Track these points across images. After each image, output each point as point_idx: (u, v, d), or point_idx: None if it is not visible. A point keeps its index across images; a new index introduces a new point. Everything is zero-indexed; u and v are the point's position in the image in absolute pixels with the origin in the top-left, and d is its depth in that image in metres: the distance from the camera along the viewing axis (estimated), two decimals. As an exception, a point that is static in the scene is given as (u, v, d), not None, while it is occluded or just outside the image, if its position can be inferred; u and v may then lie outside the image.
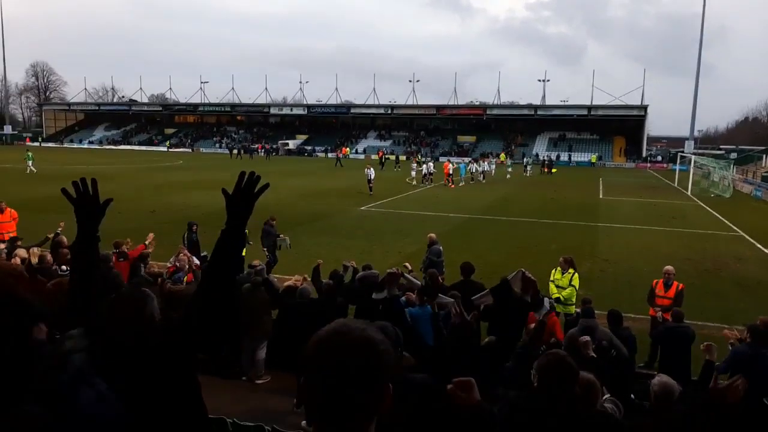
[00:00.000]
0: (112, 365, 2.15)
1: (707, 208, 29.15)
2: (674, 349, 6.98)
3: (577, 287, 9.77)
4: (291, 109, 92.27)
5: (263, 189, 2.35)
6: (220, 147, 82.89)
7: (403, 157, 64.40)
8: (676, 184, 42.18)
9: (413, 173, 40.27)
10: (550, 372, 3.04)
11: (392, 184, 36.30)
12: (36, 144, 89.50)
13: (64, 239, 10.27)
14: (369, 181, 31.57)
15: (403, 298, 6.89)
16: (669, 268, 9.70)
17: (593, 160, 69.36)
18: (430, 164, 41.15)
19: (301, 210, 24.59)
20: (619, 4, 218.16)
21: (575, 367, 3.16)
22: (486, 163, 46.86)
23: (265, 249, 13.59)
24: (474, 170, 42.79)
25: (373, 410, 1.31)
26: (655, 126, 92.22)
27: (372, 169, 32.56)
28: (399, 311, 5.97)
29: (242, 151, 70.65)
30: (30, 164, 39.87)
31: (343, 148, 77.25)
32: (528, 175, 49.46)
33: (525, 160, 57.05)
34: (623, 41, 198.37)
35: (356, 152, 78.35)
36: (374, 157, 64.61)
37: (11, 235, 13.77)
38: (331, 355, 1.27)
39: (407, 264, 10.06)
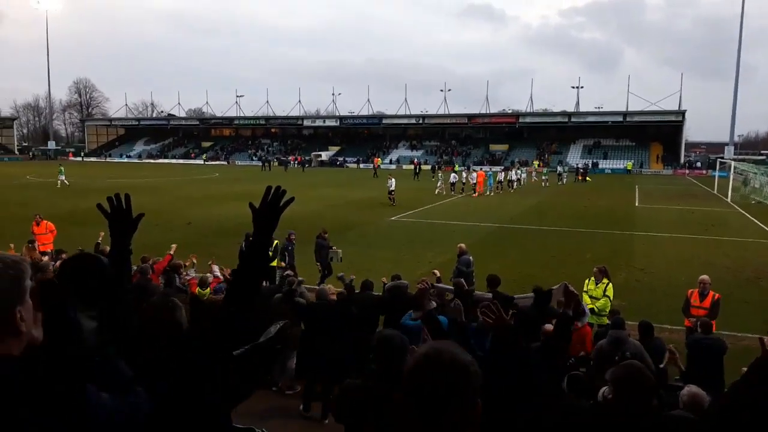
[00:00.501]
0: (140, 370, 2.25)
1: (748, 215, 28.28)
2: (704, 361, 6.82)
3: (611, 298, 9.64)
4: (324, 121, 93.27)
5: (288, 203, 2.41)
6: (255, 159, 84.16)
7: (426, 167, 64.30)
8: (715, 191, 41.05)
9: (440, 183, 39.42)
10: (629, 384, 2.93)
11: (423, 194, 36.27)
12: (78, 159, 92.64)
13: (106, 249, 10.57)
14: (390, 192, 31.45)
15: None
16: (704, 277, 9.47)
17: (629, 167, 67.91)
18: (463, 173, 40.85)
19: (332, 220, 24.77)
20: (655, 7, 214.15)
21: (653, 379, 3.07)
22: (513, 171, 45.43)
23: (318, 263, 13.51)
24: (503, 178, 42.21)
25: (464, 427, 1.42)
26: (693, 131, 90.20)
27: (393, 179, 32.37)
28: (438, 326, 6.03)
29: (277, 163, 71.70)
30: (62, 178, 40.76)
31: (375, 159, 77.74)
32: (563, 183, 48.73)
33: (559, 168, 55.85)
34: (659, 45, 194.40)
35: (389, 162, 78.51)
36: (405, 167, 64.82)
37: (48, 247, 14.32)
38: (425, 377, 1.40)
39: (435, 271, 10.08)
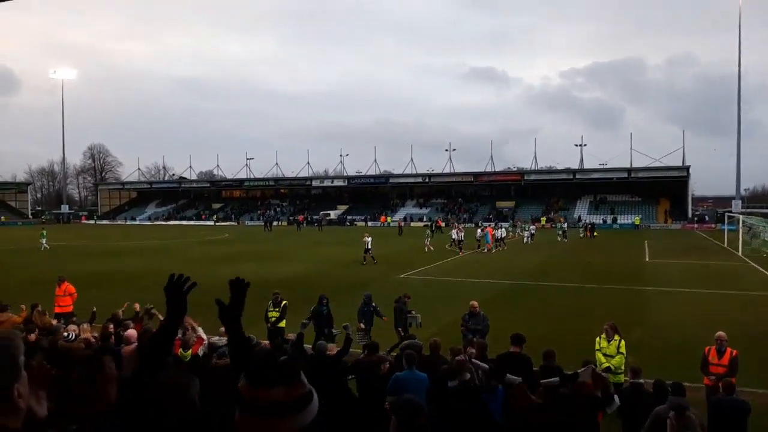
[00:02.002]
0: None
1: (760, 268, 28.02)
2: (727, 423, 6.67)
3: (625, 354, 9.52)
4: (332, 181, 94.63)
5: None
6: (261, 219, 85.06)
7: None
8: (725, 245, 40.83)
9: (427, 241, 38.85)
10: None
11: (435, 251, 36.27)
12: (91, 222, 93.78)
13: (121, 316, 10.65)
14: (366, 250, 31.12)
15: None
16: (721, 334, 9.35)
17: (637, 222, 68.04)
18: (461, 232, 39.38)
19: (342, 278, 24.82)
20: (655, 68, 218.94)
21: None
22: (500, 230, 43.93)
23: (399, 329, 12.97)
24: (499, 235, 41.17)
25: None
26: (699, 186, 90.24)
27: (370, 237, 31.97)
28: (474, 396, 6.07)
29: (287, 224, 72.41)
30: (43, 242, 40.78)
31: (382, 217, 78.70)
32: (562, 241, 47.22)
33: (558, 225, 55.07)
34: (661, 103, 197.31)
35: (394, 220, 79.08)
36: (421, 224, 65.25)
37: (66, 309, 14.44)
38: None
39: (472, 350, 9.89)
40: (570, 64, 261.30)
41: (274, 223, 76.15)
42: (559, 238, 47.35)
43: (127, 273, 27.24)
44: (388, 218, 79.53)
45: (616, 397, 7.38)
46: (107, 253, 38.84)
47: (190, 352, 8.62)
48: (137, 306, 11.85)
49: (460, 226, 43.08)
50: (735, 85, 67.39)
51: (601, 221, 69.61)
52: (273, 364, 1.53)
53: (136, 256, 36.65)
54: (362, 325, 12.85)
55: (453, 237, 39.68)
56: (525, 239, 46.34)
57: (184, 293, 2.61)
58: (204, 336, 9.19)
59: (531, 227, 50.91)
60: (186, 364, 8.25)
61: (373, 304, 13.50)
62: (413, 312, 13.55)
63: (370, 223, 76.88)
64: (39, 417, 1.79)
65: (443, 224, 62.91)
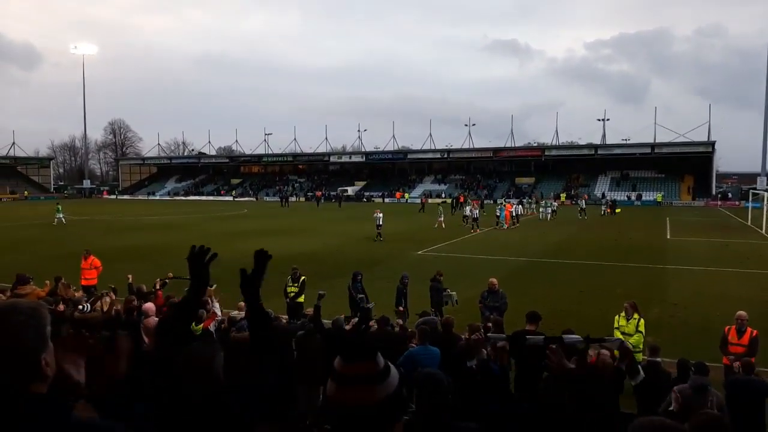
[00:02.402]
0: (178, 418, 2.31)
1: (785, 247, 27.53)
2: (745, 403, 6.60)
3: (644, 333, 9.46)
4: (350, 157, 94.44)
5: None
6: (278, 195, 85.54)
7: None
8: (749, 223, 40.09)
9: (441, 218, 38.19)
10: None
11: (451, 228, 36.19)
12: (112, 197, 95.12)
13: (142, 287, 10.80)
14: (378, 226, 31.17)
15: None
16: (742, 313, 9.23)
17: (659, 199, 67.05)
18: (475, 209, 38.25)
19: (360, 254, 24.92)
20: (684, 39, 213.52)
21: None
22: (519, 206, 44.96)
23: (433, 308, 12.58)
24: (515, 213, 41.02)
25: None
26: (724, 162, 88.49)
27: (381, 214, 32.03)
28: (493, 376, 6.09)
29: (305, 200, 72.87)
30: (60, 216, 41.46)
31: (398, 193, 78.73)
32: (582, 218, 46.57)
33: (580, 201, 53.87)
34: (688, 76, 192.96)
35: (413, 197, 79.04)
36: (446, 201, 65.20)
37: (92, 282, 14.87)
38: None
39: (489, 324, 9.88)
40: (596, 35, 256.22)
41: (292, 199, 76.63)
42: (579, 216, 46.95)
43: (149, 247, 27.66)
44: (406, 194, 79.35)
45: (641, 369, 7.36)
46: (128, 227, 39.43)
47: (201, 326, 8.74)
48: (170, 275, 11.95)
49: (475, 203, 42.66)
50: (764, 58, 65.49)
51: (625, 198, 68.76)
52: (359, 344, 1.75)
53: (156, 230, 37.17)
54: (401, 308, 12.52)
55: (466, 214, 39.17)
56: (546, 215, 45.93)
57: (206, 263, 2.69)
58: (219, 311, 9.30)
59: (553, 203, 50.48)
60: (196, 338, 8.38)
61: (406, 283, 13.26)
62: (448, 290, 13.19)
63: (387, 200, 76.94)
64: (77, 383, 1.85)
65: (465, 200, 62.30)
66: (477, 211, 37.65)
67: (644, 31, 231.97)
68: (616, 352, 7.35)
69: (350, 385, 1.64)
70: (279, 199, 73.14)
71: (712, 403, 6.03)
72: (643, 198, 69.62)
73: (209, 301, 9.69)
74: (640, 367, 7.40)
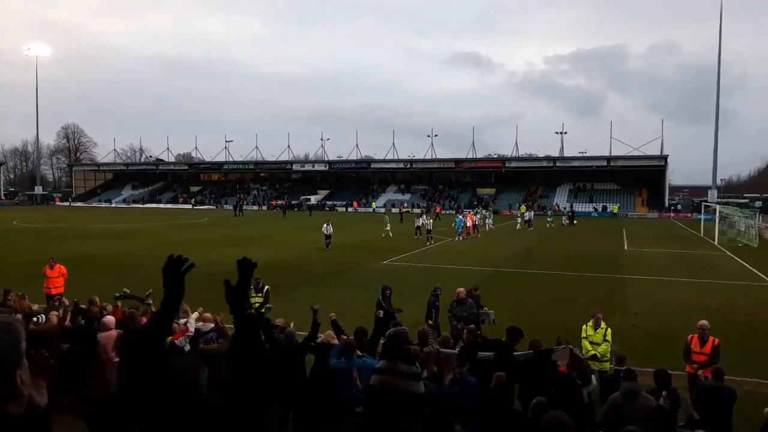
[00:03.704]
0: None
1: (736, 258, 28.62)
2: (714, 410, 6.76)
3: (610, 342, 9.63)
4: (313, 165, 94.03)
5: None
6: (245, 204, 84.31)
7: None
8: (701, 234, 41.60)
9: (387, 226, 38.18)
10: None
11: (414, 238, 36.29)
12: (66, 204, 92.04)
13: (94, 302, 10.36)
14: (327, 236, 30.55)
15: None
16: (703, 322, 9.47)
17: (615, 211, 69.16)
18: (424, 218, 37.94)
19: (324, 264, 24.73)
20: (638, 56, 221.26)
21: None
22: (479, 216, 44.78)
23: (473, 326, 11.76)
24: (470, 224, 39.85)
25: None
26: (676, 175, 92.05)
27: (331, 224, 31.45)
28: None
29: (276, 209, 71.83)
30: None
31: (354, 203, 78.56)
32: (521, 228, 47.07)
33: (548, 212, 55.72)
34: (642, 92, 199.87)
35: (378, 206, 79.12)
36: (394, 210, 65.28)
37: (60, 290, 14.39)
38: None
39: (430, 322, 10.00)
40: (554, 50, 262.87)
41: (253, 208, 75.39)
42: (548, 225, 48.72)
43: (107, 256, 26.80)
44: (373, 204, 79.24)
45: (593, 377, 7.46)
46: (84, 235, 38.17)
47: (170, 339, 8.46)
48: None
49: (438, 210, 42.31)
50: (716, 75, 68.25)
51: (591, 209, 70.94)
52: (401, 349, 1.88)
53: (113, 239, 36.09)
54: (430, 322, 11.71)
55: (419, 224, 37.36)
56: (489, 226, 45.67)
57: (182, 273, 2.58)
58: (192, 327, 9.03)
59: (527, 213, 51.31)
60: (169, 352, 8.12)
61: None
62: (485, 308, 12.41)
63: (350, 209, 76.84)
64: (40, 406, 1.73)
65: (441, 211, 61.90)
66: (431, 222, 36.42)
67: (600, 47, 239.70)
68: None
69: (380, 375, 1.79)
70: (233, 208, 69.54)
71: (641, 407, 6.13)
72: (599, 210, 71.61)
73: (187, 313, 9.42)
74: (593, 376, 7.53)
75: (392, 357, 1.87)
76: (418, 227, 37.29)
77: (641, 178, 74.96)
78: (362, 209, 75.94)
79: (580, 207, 71.25)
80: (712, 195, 67.08)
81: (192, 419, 2.31)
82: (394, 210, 67.66)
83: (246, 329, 2.59)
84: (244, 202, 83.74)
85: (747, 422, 7.22)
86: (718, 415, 6.61)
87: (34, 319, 9.20)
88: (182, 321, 9.68)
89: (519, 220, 48.68)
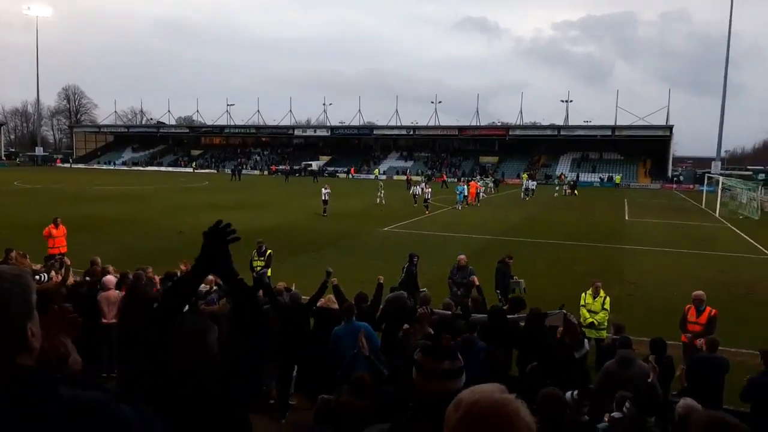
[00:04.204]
0: (167, 393, 2.21)
1: (736, 230, 28.62)
2: (707, 379, 6.85)
3: (609, 311, 9.69)
4: (314, 131, 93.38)
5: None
6: (245, 168, 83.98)
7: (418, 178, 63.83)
8: (703, 206, 41.52)
9: (380, 193, 38.28)
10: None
11: (413, 206, 36.27)
12: (66, 165, 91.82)
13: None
14: (324, 201, 30.44)
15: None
16: (699, 293, 9.51)
17: (617, 181, 68.81)
18: (423, 186, 37.27)
19: (325, 230, 24.78)
20: (649, 23, 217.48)
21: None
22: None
23: (498, 291, 11.95)
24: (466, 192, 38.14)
25: None
26: (680, 146, 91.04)
27: (329, 188, 31.42)
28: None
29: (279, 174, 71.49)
30: None
31: (352, 169, 78.22)
32: (523, 199, 47.90)
33: (560, 182, 54.78)
34: (651, 60, 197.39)
35: (382, 173, 78.78)
36: (396, 178, 65.02)
37: (63, 249, 14.56)
38: None
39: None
40: (564, 16, 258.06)
41: (255, 172, 75.01)
42: (556, 194, 49.29)
43: (107, 218, 26.86)
44: (376, 170, 78.78)
45: (586, 342, 7.54)
46: (85, 197, 38.18)
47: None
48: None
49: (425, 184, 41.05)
50: (725, 45, 67.10)
51: (598, 179, 70.54)
52: (443, 346, 2.12)
53: (114, 201, 36.12)
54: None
55: (415, 193, 36.56)
56: (483, 195, 44.62)
57: (225, 244, 2.48)
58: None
59: (531, 183, 51.22)
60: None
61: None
62: (516, 277, 12.25)
63: (351, 176, 76.50)
64: (65, 354, 1.72)
65: (447, 179, 60.33)
66: (429, 191, 35.29)
67: (611, 13, 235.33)
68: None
69: (425, 375, 2.00)
70: (231, 173, 67.51)
71: (636, 374, 6.19)
72: (605, 180, 71.25)
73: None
74: (585, 341, 7.61)
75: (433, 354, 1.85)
76: (415, 195, 36.64)
77: (645, 148, 74.44)
78: (364, 176, 75.23)
79: (587, 177, 71.02)
80: (716, 166, 66.68)
81: (200, 378, 2.35)
82: (397, 177, 67.28)
83: (237, 295, 2.57)
84: (244, 167, 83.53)
85: (738, 391, 7.32)
86: (711, 384, 6.70)
87: (37, 277, 9.25)
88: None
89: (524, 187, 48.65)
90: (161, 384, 2.28)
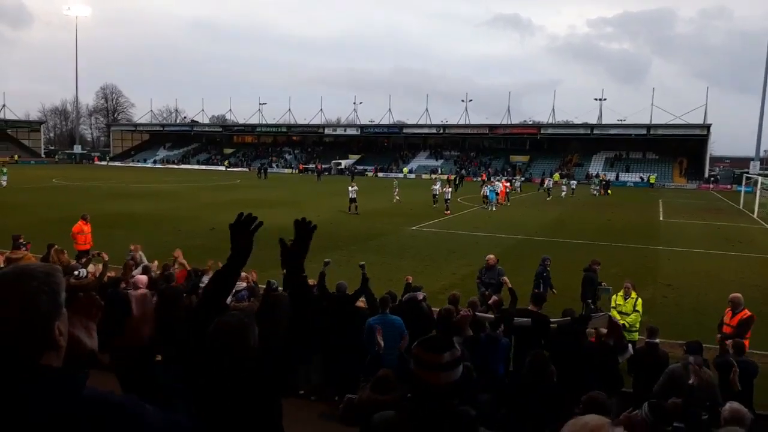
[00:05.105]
0: (206, 389, 2.26)
1: (776, 231, 27.74)
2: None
3: (641, 312, 9.51)
4: (345, 130, 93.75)
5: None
6: (275, 166, 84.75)
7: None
8: (741, 207, 40.34)
9: (396, 191, 38.28)
10: None
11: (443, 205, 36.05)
12: (103, 163, 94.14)
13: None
14: (351, 200, 30.63)
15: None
16: (734, 295, 9.23)
17: (652, 181, 67.24)
18: (438, 186, 36.03)
19: (354, 229, 24.87)
20: (688, 20, 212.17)
21: None
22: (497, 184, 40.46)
23: (589, 300, 11.66)
24: (484, 192, 37.49)
25: None
26: (718, 146, 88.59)
27: (356, 186, 31.36)
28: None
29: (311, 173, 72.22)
30: (2, 179, 41.99)
31: (372, 169, 77.98)
32: (572, 195, 47.65)
33: (572, 182, 53.71)
34: (688, 58, 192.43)
35: (411, 171, 78.63)
36: (437, 176, 64.67)
37: (88, 247, 14.93)
38: None
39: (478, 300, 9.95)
40: (599, 12, 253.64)
41: (286, 171, 75.45)
42: (594, 192, 49.54)
43: (140, 215, 27.45)
44: (404, 169, 78.68)
45: (630, 346, 7.41)
46: (120, 194, 39.10)
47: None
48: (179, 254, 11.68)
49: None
50: (765, 42, 65.04)
51: (638, 179, 68.92)
52: (441, 338, 2.20)
53: (148, 198, 36.89)
54: (536, 291, 11.34)
55: (435, 192, 35.11)
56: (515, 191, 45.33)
57: (251, 232, 2.62)
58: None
59: (572, 182, 51.67)
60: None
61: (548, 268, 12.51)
62: (604, 284, 11.97)
63: (380, 174, 76.54)
64: (88, 349, 1.74)
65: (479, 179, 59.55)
66: (449, 191, 34.30)
67: (648, 10, 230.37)
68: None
69: (425, 369, 2.08)
70: (257, 170, 68.13)
71: (704, 380, 6.09)
72: (635, 179, 69.64)
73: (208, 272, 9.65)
74: (629, 345, 7.46)
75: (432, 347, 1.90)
76: (435, 195, 35.09)
77: (681, 147, 72.64)
78: (393, 174, 74.99)
79: (624, 176, 69.49)
80: (754, 166, 64.65)
81: (241, 374, 2.39)
82: (437, 176, 66.82)
83: (296, 293, 2.63)
84: (275, 165, 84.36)
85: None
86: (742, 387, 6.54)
87: (75, 273, 9.50)
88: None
89: (565, 188, 48.19)
90: (199, 382, 2.32)
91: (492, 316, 8.01)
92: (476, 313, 7.63)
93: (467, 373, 4.30)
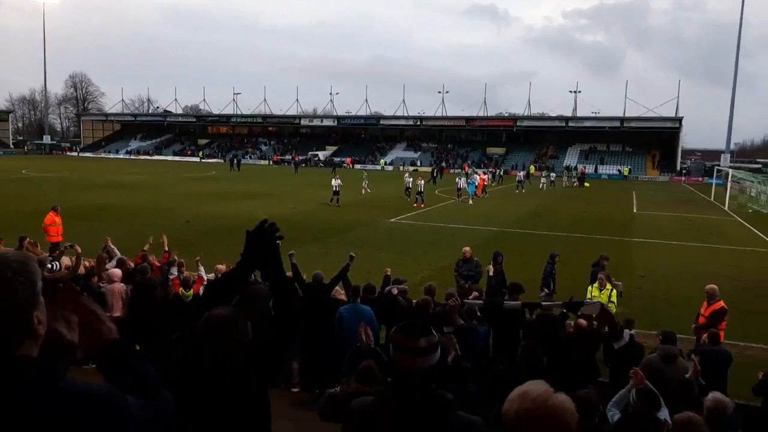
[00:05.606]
0: (193, 383, 2.22)
1: (746, 223, 28.39)
2: (709, 372, 6.81)
3: (616, 304, 9.63)
4: (321, 121, 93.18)
5: (278, 239, 2.62)
6: (251, 158, 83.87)
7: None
8: (712, 199, 41.21)
9: (364, 183, 38.93)
10: None
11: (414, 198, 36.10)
12: (74, 154, 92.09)
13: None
14: (335, 192, 30.52)
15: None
16: (709, 287, 9.41)
17: (625, 173, 68.25)
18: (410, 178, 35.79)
19: (332, 221, 24.76)
20: (661, 11, 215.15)
21: None
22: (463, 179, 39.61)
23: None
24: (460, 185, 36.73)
25: None
26: (689, 138, 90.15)
27: (339, 180, 31.41)
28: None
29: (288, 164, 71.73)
30: None
31: (348, 159, 77.92)
32: (552, 188, 48.22)
33: (552, 174, 54.55)
34: (662, 51, 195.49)
35: (387, 164, 78.53)
36: (421, 169, 64.66)
37: (59, 239, 14.64)
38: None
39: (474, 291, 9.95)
40: (575, 4, 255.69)
41: (263, 162, 74.77)
42: (567, 183, 50.89)
43: (114, 207, 26.95)
44: (382, 161, 78.53)
45: (626, 332, 7.48)
46: (93, 185, 38.30)
47: (191, 291, 8.57)
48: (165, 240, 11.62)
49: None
50: (737, 33, 66.13)
51: (616, 171, 69.51)
52: (419, 323, 2.23)
53: (121, 190, 36.20)
54: (546, 290, 11.80)
55: (408, 186, 34.78)
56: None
57: (271, 242, 2.56)
58: (204, 275, 9.15)
59: (552, 174, 52.41)
60: (187, 303, 8.22)
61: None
62: (613, 279, 11.68)
63: (357, 166, 76.26)
64: (70, 342, 1.70)
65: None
66: (422, 183, 33.18)
67: (623, 1, 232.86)
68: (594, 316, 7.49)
69: (402, 353, 2.15)
70: (229, 161, 67.33)
71: (679, 371, 6.17)
72: (609, 172, 70.61)
73: (197, 265, 9.63)
74: (625, 330, 7.53)
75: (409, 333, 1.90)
76: (408, 188, 34.80)
77: (654, 140, 73.85)
78: (370, 166, 74.73)
79: (602, 169, 70.37)
80: (725, 159, 66.07)
81: (230, 369, 2.40)
82: (419, 169, 66.92)
83: (280, 293, 2.64)
84: (249, 156, 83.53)
85: (747, 385, 7.27)
86: (714, 376, 6.67)
87: (48, 266, 9.26)
88: (200, 272, 9.89)
89: (544, 179, 48.53)
90: (186, 375, 2.29)
91: (480, 302, 8.04)
92: (464, 300, 7.63)
93: (458, 363, 4.29)
